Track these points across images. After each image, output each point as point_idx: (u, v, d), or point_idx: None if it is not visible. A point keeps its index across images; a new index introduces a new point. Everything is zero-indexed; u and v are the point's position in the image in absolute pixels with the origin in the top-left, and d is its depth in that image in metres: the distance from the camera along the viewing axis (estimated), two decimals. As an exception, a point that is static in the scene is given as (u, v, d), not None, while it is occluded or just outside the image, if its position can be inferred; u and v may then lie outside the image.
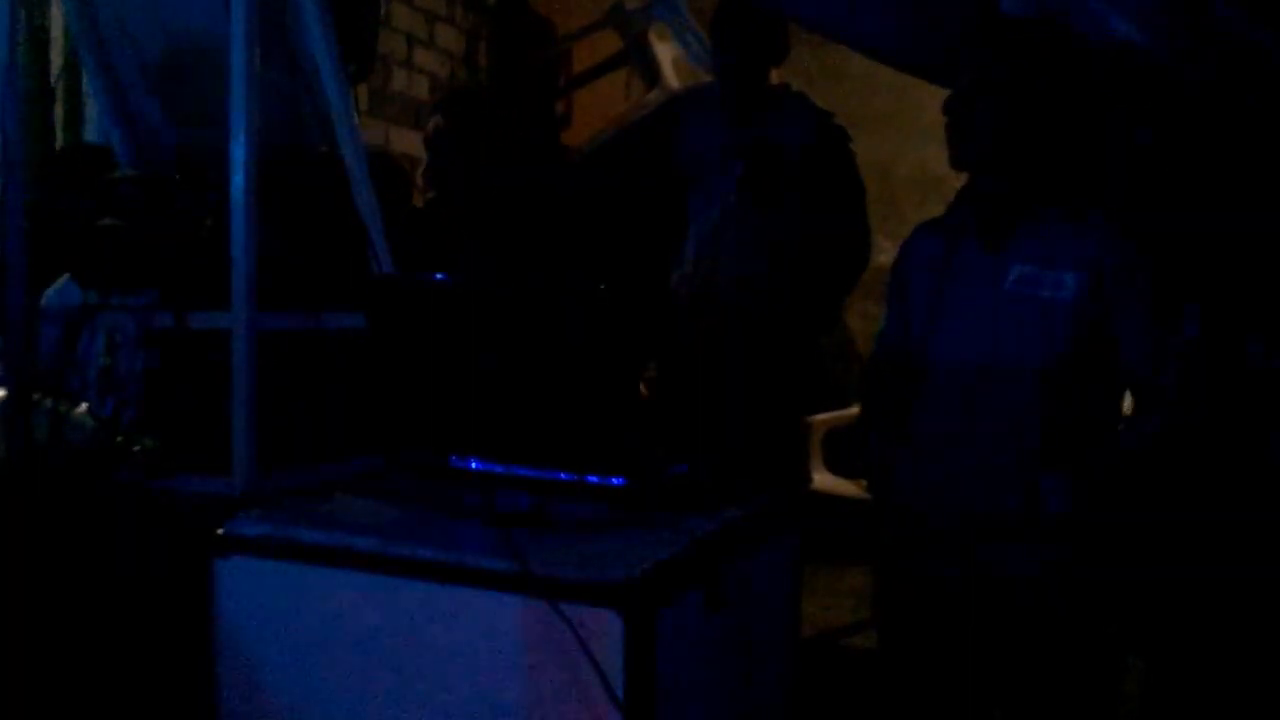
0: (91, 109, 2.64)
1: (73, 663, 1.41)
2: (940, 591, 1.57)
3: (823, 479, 2.90)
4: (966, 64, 1.55)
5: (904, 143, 4.17)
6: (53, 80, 1.80)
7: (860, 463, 1.79)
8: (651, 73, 3.57)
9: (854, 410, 3.20)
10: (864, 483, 2.98)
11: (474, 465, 1.44)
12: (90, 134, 2.71)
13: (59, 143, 2.65)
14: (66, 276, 1.89)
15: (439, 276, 1.55)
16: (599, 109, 3.61)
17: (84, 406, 1.61)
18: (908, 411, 1.59)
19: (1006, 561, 1.52)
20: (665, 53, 3.55)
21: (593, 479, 1.39)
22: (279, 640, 1.33)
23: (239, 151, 1.50)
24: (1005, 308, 1.52)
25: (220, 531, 1.36)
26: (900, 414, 1.60)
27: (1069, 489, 1.47)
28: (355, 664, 1.30)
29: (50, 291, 1.91)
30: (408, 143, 3.88)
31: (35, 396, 1.57)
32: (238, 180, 1.50)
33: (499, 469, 1.42)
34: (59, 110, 2.68)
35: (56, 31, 2.44)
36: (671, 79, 3.53)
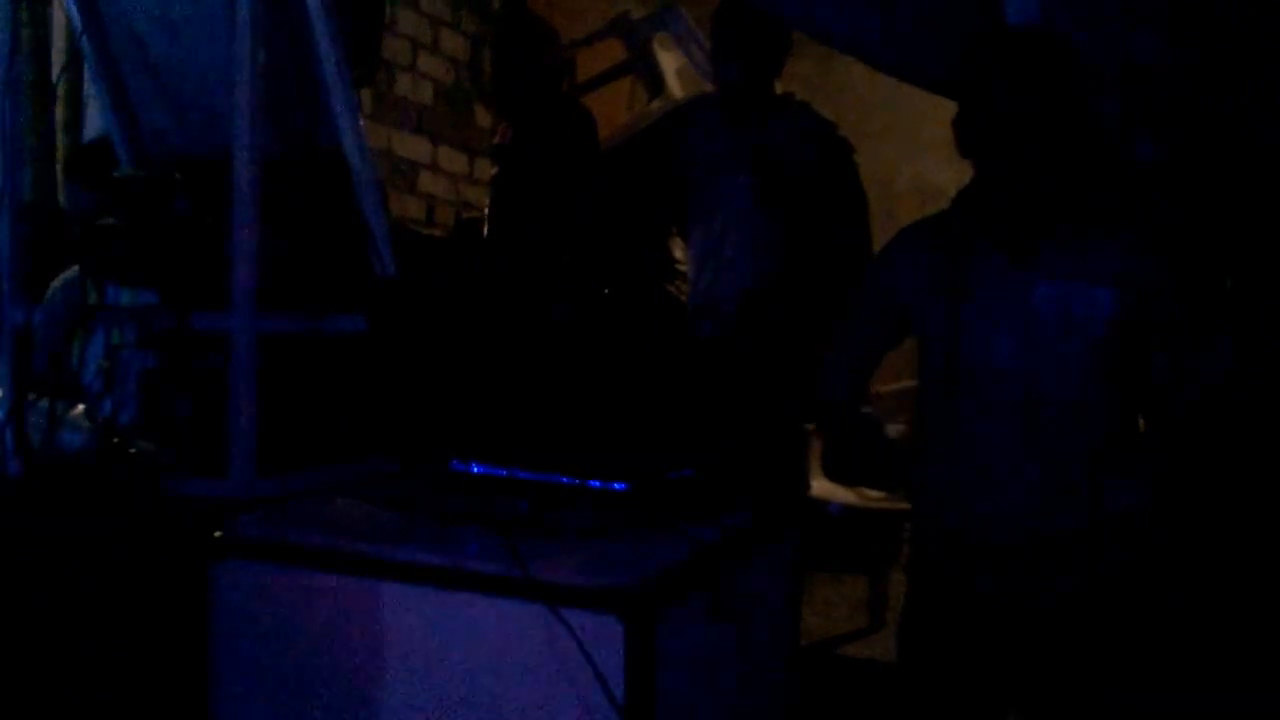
0: (93, 110, 2.64)
1: (69, 665, 1.40)
2: (983, 606, 1.56)
3: (822, 486, 2.90)
4: (977, 69, 1.53)
5: (904, 155, 4.19)
6: (54, 80, 1.80)
7: (879, 473, 1.78)
8: (655, 81, 3.57)
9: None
10: (862, 490, 2.98)
11: (475, 469, 1.44)
12: (91, 135, 2.71)
13: (60, 144, 2.64)
14: (67, 276, 1.89)
15: (441, 280, 1.54)
16: (603, 117, 3.61)
17: (81, 408, 1.60)
18: (944, 429, 1.57)
19: (1056, 579, 1.51)
20: (669, 62, 3.56)
21: (594, 484, 1.38)
22: (276, 644, 1.32)
23: (241, 153, 1.49)
24: (1037, 328, 1.48)
25: (218, 534, 1.35)
26: (935, 430, 1.58)
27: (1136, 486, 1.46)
28: (353, 669, 1.29)
29: (50, 291, 1.91)
30: (410, 148, 3.88)
31: (32, 397, 1.56)
32: (240, 182, 1.50)
33: (500, 473, 1.42)
34: (60, 111, 2.68)
35: (58, 32, 2.44)
36: (675, 88, 3.53)
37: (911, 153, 4.14)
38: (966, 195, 1.59)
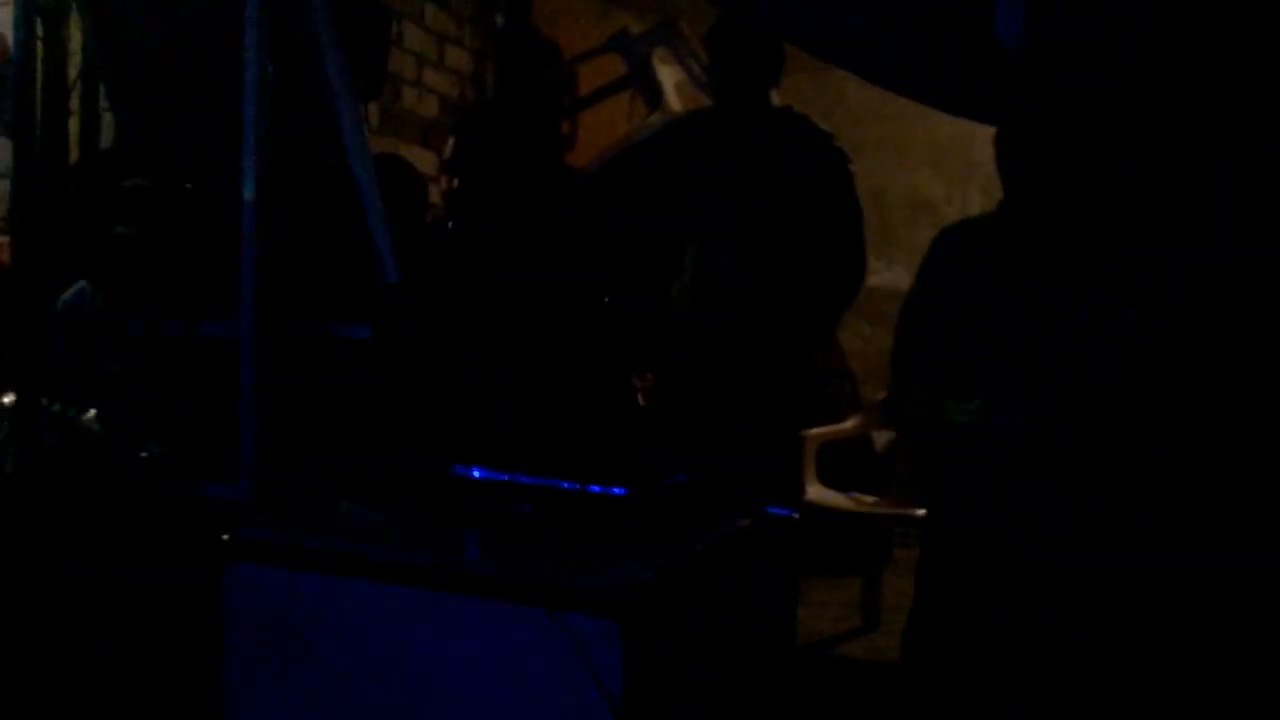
0: (108, 121, 2.67)
1: (81, 665, 1.42)
2: (998, 605, 1.57)
3: (816, 492, 2.93)
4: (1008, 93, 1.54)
5: (897, 167, 4.23)
6: (69, 87, 1.83)
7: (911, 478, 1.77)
8: (654, 96, 3.61)
9: (848, 425, 3.23)
10: (856, 496, 3.00)
11: (476, 474, 1.46)
12: (104, 147, 2.74)
13: (74, 154, 2.67)
14: (80, 283, 1.92)
15: (446, 290, 1.57)
16: (603, 131, 3.65)
17: (92, 412, 1.63)
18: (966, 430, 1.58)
19: (1073, 577, 1.52)
20: (668, 77, 3.60)
21: (594, 489, 1.41)
22: (286, 645, 1.34)
23: (250, 162, 1.53)
24: (1080, 341, 1.50)
25: (227, 537, 1.38)
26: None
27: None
28: (358, 669, 1.31)
29: (64, 297, 1.93)
30: (416, 161, 3.92)
31: (44, 401, 1.59)
32: (249, 191, 1.53)
33: (501, 477, 1.44)
34: (75, 122, 2.71)
35: (74, 44, 2.47)
36: (674, 102, 3.57)
37: (904, 165, 4.18)
38: (1009, 208, 1.60)
